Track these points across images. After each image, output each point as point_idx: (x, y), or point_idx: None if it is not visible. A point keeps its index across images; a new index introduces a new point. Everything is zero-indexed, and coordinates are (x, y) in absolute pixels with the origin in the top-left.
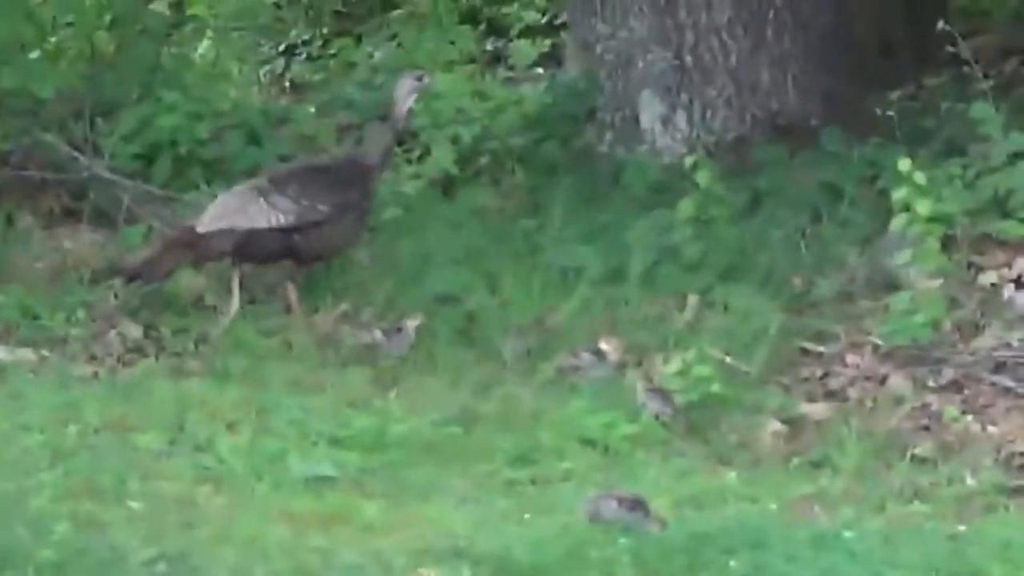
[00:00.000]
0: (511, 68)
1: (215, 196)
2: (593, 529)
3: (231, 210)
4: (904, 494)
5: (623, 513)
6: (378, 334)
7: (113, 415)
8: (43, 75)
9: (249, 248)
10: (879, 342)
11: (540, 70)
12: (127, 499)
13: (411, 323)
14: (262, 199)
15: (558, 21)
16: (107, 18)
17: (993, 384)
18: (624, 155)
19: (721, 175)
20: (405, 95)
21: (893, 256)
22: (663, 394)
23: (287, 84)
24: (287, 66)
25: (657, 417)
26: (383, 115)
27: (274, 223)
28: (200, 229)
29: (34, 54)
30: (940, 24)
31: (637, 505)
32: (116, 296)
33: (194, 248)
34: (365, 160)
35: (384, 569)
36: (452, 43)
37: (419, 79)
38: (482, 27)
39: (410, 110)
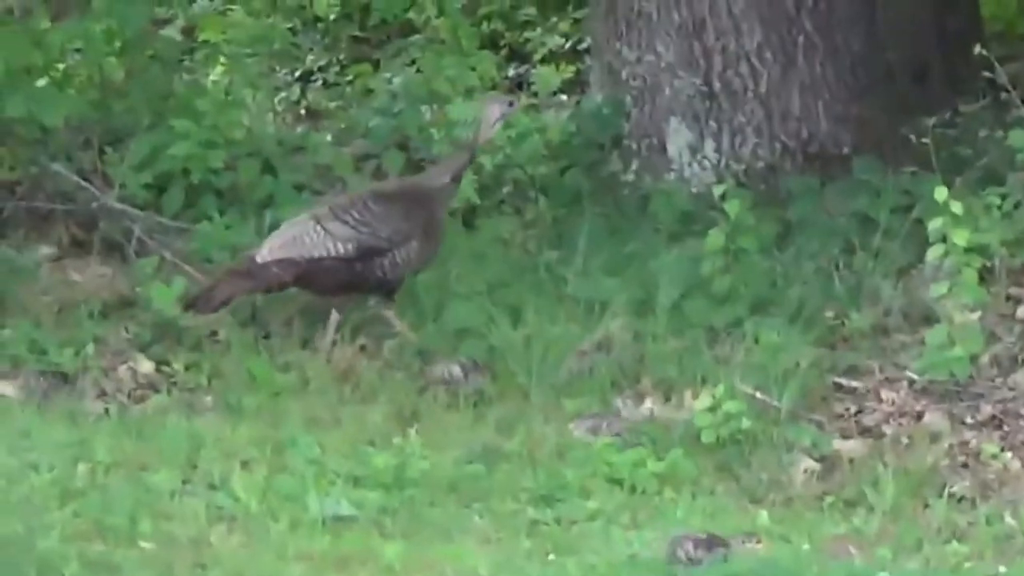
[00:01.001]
0: (534, 95)
1: (228, 227)
2: (619, 570)
3: (290, 239)
4: (942, 534)
5: (702, 553)
6: (456, 369)
7: (124, 453)
8: (51, 103)
9: (309, 279)
10: (915, 377)
11: (564, 97)
12: (139, 540)
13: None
14: (319, 227)
15: (582, 46)
16: (117, 44)
17: None
18: (651, 184)
19: (751, 204)
20: (493, 119)
21: (929, 288)
22: (613, 416)
23: (303, 111)
24: (303, 93)
25: (618, 435)
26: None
27: (333, 252)
28: (259, 259)
29: (41, 81)
30: (976, 49)
31: (715, 543)
32: (127, 330)
33: (252, 278)
34: (430, 184)
35: None
36: (473, 69)
37: (509, 104)
38: (504, 53)
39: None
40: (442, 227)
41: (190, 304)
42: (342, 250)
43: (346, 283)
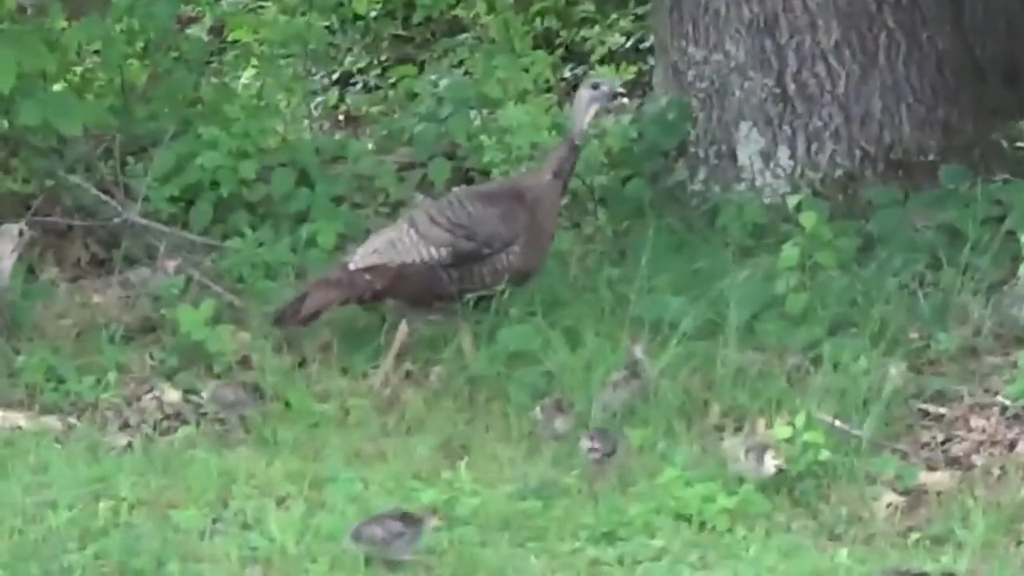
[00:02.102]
0: None
1: (260, 243)
2: None
3: (384, 243)
4: None
5: None
6: (537, 411)
7: (149, 490)
8: (68, 110)
9: (401, 286)
10: (1007, 403)
11: (625, 100)
12: None
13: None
14: (413, 230)
15: (644, 45)
16: (139, 45)
17: None
18: (720, 194)
19: (829, 216)
20: (583, 108)
21: (1022, 306)
22: (602, 433)
23: (341, 117)
24: (341, 97)
25: (594, 456)
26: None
27: (426, 257)
28: (352, 266)
29: (57, 86)
30: None
31: None
32: (151, 357)
33: (343, 287)
34: (532, 182)
35: None
36: (526, 71)
37: (596, 87)
38: (559, 53)
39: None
40: (547, 230)
41: (278, 318)
42: (436, 255)
43: (441, 292)
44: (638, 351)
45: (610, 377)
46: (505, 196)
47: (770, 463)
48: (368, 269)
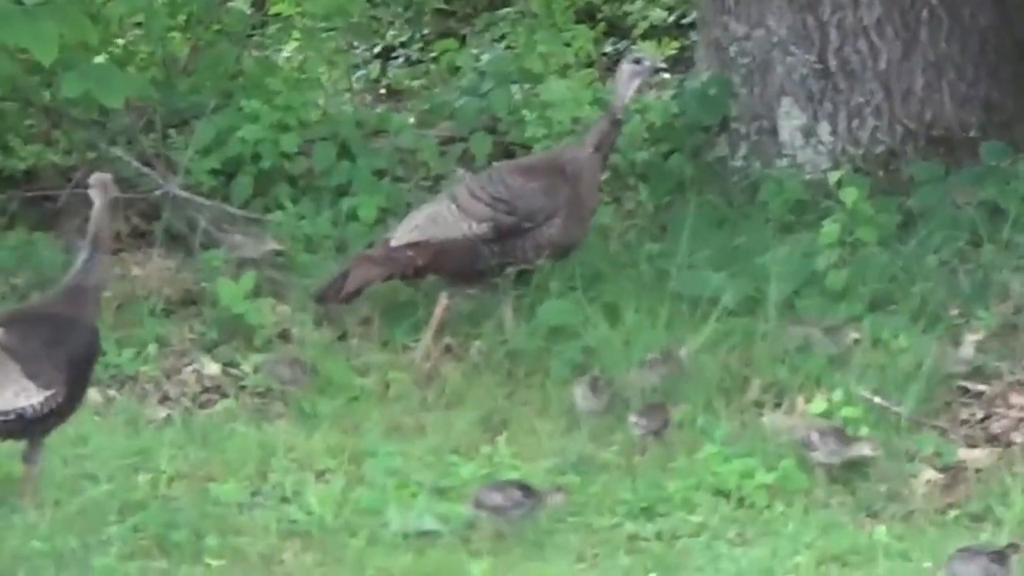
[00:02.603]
0: None
1: (301, 217)
2: None
3: (425, 219)
4: None
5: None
6: (574, 388)
7: (189, 463)
8: (110, 82)
9: (443, 262)
10: None
11: (667, 75)
12: (205, 557)
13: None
14: (454, 205)
15: (686, 20)
16: (181, 18)
17: None
18: (761, 170)
19: (870, 192)
20: (625, 82)
21: None
22: (653, 409)
23: (383, 91)
24: (383, 71)
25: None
26: None
27: (467, 232)
28: (394, 242)
29: (100, 58)
30: None
31: (1000, 558)
32: (191, 329)
33: (385, 264)
34: (572, 155)
35: None
36: (568, 45)
37: (638, 62)
38: (601, 27)
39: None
40: (588, 204)
41: (320, 296)
42: (477, 230)
43: (482, 267)
44: (682, 352)
45: (645, 357)
46: (546, 170)
47: (854, 448)
48: (410, 245)
